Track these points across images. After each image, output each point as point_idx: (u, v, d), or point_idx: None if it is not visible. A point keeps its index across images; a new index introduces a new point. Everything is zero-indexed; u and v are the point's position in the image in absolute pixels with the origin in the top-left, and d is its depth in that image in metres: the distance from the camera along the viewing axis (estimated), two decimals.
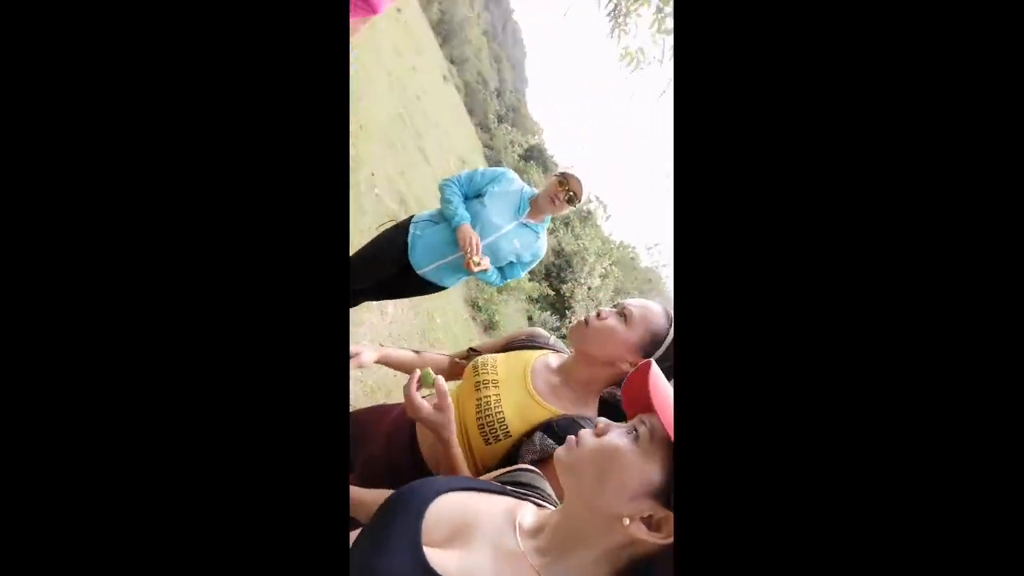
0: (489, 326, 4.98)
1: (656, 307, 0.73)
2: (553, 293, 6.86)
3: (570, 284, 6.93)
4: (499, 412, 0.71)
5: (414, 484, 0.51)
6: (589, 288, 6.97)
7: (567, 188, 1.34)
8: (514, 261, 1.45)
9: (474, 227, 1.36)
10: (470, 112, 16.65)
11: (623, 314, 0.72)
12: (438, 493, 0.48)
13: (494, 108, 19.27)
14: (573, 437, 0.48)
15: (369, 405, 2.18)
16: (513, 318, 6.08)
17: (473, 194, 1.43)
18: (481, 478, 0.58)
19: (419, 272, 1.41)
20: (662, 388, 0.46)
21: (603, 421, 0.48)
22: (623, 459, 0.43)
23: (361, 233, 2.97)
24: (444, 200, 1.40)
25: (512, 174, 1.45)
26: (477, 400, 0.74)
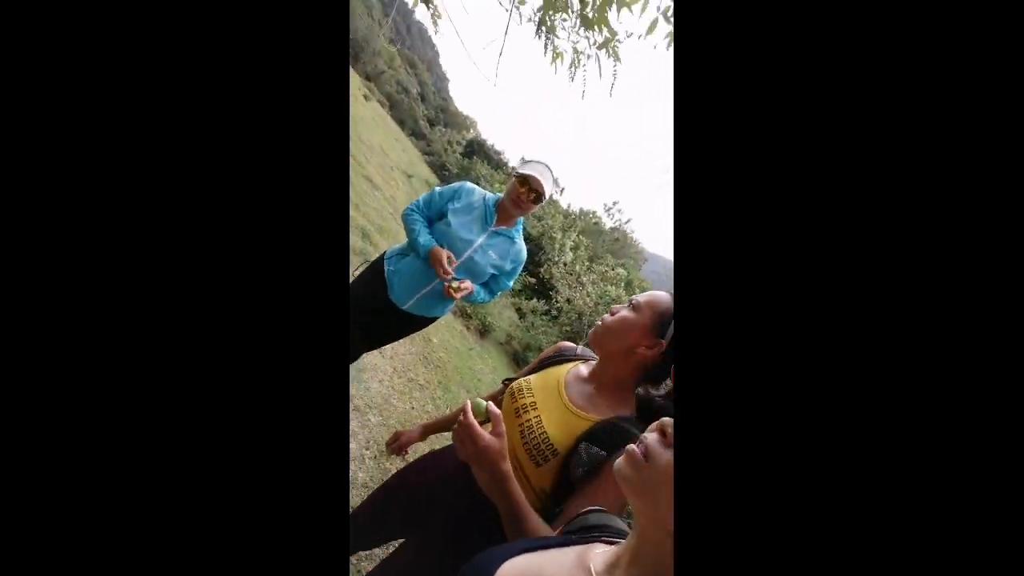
0: (483, 330, 5.06)
1: (662, 293, 0.78)
2: (533, 280, 6.99)
3: (546, 266, 7.06)
4: (542, 433, 0.72)
5: (475, 560, 0.49)
6: (564, 264, 7.12)
7: (528, 187, 1.29)
8: (496, 273, 1.40)
9: (448, 249, 1.30)
10: (400, 124, 16.36)
11: (632, 305, 0.77)
12: (501, 560, 0.46)
13: (422, 113, 18.99)
14: (636, 448, 0.43)
15: (352, 424, 2.15)
16: (503, 315, 6.16)
17: (436, 215, 1.37)
18: (548, 535, 0.55)
19: (403, 308, 1.35)
20: None
21: (670, 425, 0.43)
22: None
23: None
24: (408, 230, 1.35)
25: (471, 185, 1.39)
26: (520, 425, 0.75)
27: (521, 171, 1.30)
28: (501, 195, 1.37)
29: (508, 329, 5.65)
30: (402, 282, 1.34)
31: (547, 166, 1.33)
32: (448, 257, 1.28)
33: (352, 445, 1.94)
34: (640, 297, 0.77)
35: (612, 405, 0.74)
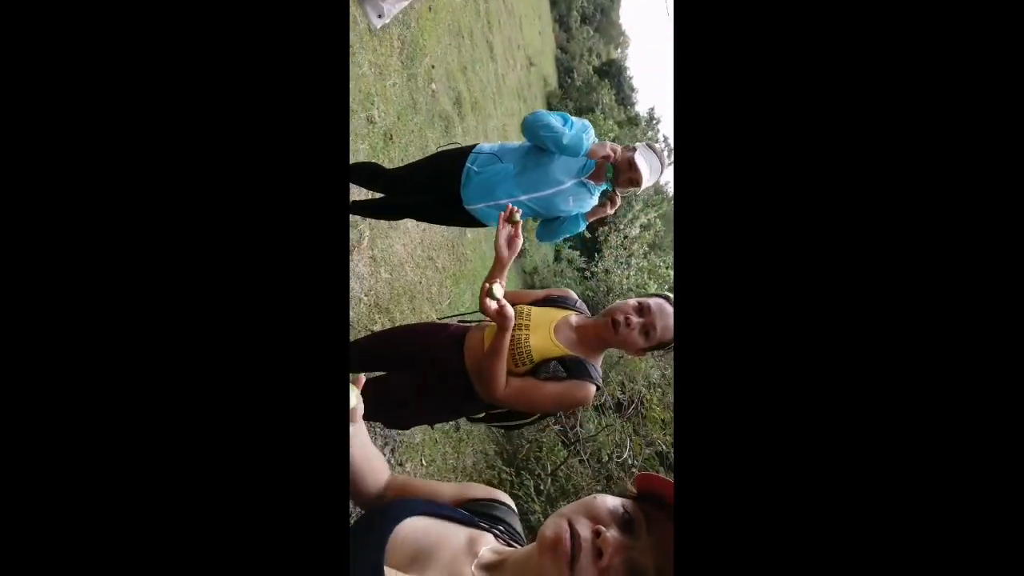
0: (518, 256, 4.95)
1: (670, 316, 0.97)
2: (588, 235, 6.66)
3: (607, 227, 6.68)
4: (527, 346, 0.97)
5: (388, 505, 0.52)
6: (626, 237, 6.72)
7: (632, 172, 1.30)
8: (565, 217, 1.41)
9: (536, 177, 1.31)
10: (552, 3, 14.65)
11: (641, 307, 0.97)
12: (406, 516, 0.49)
13: (580, 4, 16.86)
14: (565, 539, 0.39)
15: (397, 307, 2.28)
16: (542, 249, 6.00)
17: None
18: (463, 498, 0.58)
19: (468, 208, 1.38)
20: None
21: (610, 539, 0.39)
22: None
23: (411, 133, 2.84)
24: (546, 125, 1.29)
25: (591, 131, 1.35)
26: (514, 335, 0.99)
27: (637, 156, 1.29)
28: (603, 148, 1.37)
29: (539, 264, 5.54)
30: (480, 186, 1.34)
31: (663, 166, 1.35)
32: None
33: (355, 286, 2.01)
34: (659, 325, 0.95)
35: (585, 352, 0.99)
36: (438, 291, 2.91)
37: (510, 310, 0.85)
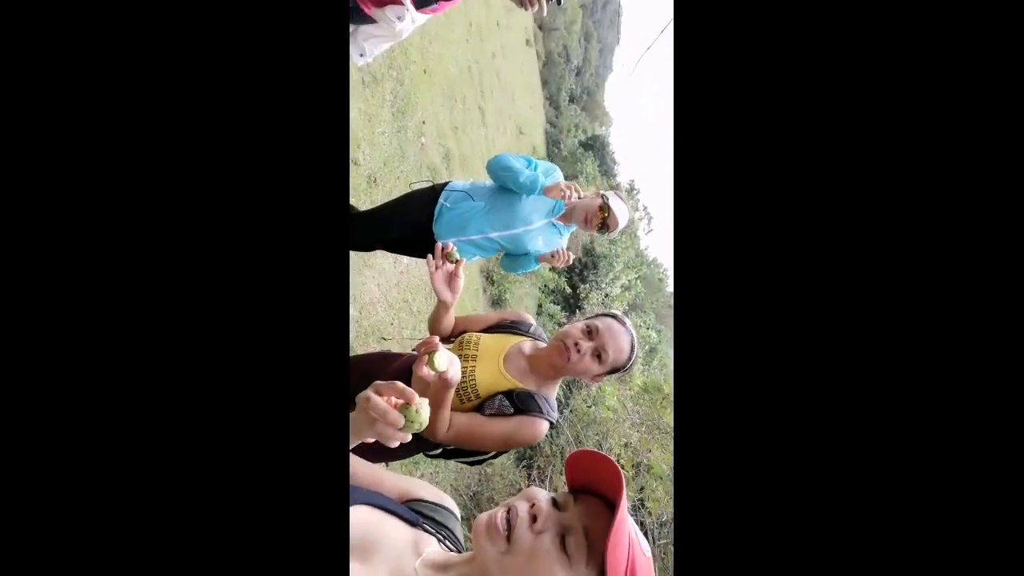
0: (497, 301, 4.94)
1: (625, 350, 0.91)
2: (570, 290, 6.74)
3: (589, 285, 6.78)
4: (472, 380, 0.89)
5: None
6: (607, 295, 6.81)
7: (604, 215, 1.30)
8: (530, 254, 1.43)
9: (507, 215, 1.33)
10: (544, 83, 16.12)
11: (596, 348, 0.90)
12: (355, 503, 0.48)
13: (569, 86, 18.59)
14: (499, 520, 0.44)
15: (363, 347, 2.19)
16: (522, 300, 6.01)
17: None
18: (409, 496, 0.58)
19: (440, 242, 1.38)
20: (622, 527, 0.42)
21: (543, 507, 0.44)
22: (547, 572, 0.41)
23: (396, 179, 2.91)
24: (507, 168, 1.31)
25: (559, 173, 1.38)
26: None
27: (610, 200, 1.31)
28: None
29: (504, 312, 5.50)
30: (452, 222, 1.36)
31: (634, 215, 1.47)
32: (570, 187, 1.28)
33: None
34: (610, 348, 0.89)
35: (538, 383, 0.92)
36: (411, 334, 2.82)
37: (455, 374, 0.74)
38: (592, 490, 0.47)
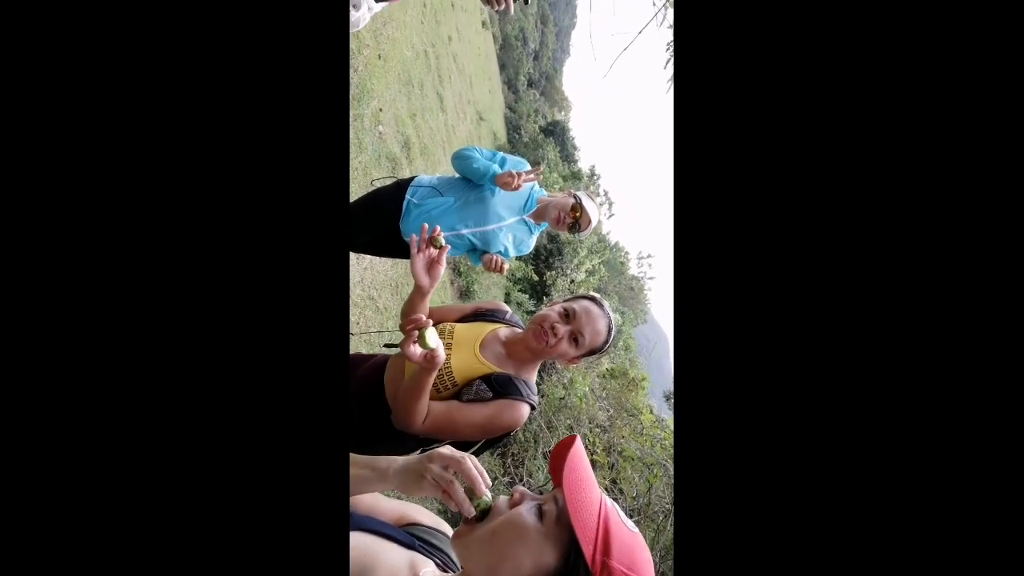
0: (465, 292, 4.91)
1: (602, 334, 0.91)
2: (536, 278, 6.79)
3: (555, 272, 6.86)
4: (448, 368, 0.86)
5: None
6: (572, 281, 6.93)
7: (576, 215, 1.30)
8: (501, 251, 1.40)
9: (478, 211, 1.31)
10: (501, 67, 15.86)
11: (574, 335, 0.90)
12: (352, 529, 0.49)
13: (527, 70, 18.39)
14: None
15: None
16: (490, 291, 6.00)
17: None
18: (406, 520, 0.59)
19: (407, 239, 1.34)
20: (579, 468, 0.46)
21: (519, 490, 0.47)
22: (524, 537, 0.43)
23: (355, 170, 2.78)
24: (466, 158, 1.29)
25: (516, 163, 1.38)
26: None
27: (583, 200, 1.32)
28: (546, 193, 1.40)
29: (480, 302, 5.50)
30: (420, 218, 1.30)
31: (603, 217, 1.46)
32: (520, 176, 1.26)
33: None
34: (587, 331, 0.88)
35: (516, 368, 0.90)
36: (378, 335, 2.75)
37: (441, 355, 0.74)
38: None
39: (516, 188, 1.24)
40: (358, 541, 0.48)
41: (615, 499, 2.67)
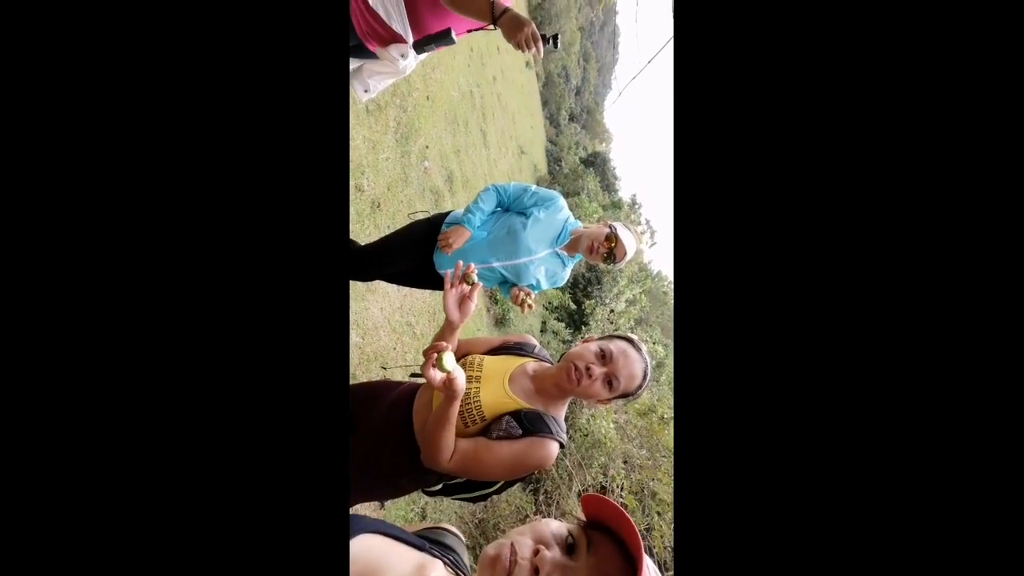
0: (501, 321, 4.94)
1: (638, 377, 0.89)
2: (574, 306, 6.72)
3: (594, 301, 6.76)
4: (477, 402, 0.87)
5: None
6: (612, 311, 6.78)
7: (611, 245, 1.29)
8: (533, 284, 1.41)
9: (510, 245, 1.32)
10: (544, 103, 16.42)
11: (609, 378, 0.87)
12: (357, 533, 0.49)
13: (568, 105, 18.92)
14: (505, 557, 0.42)
15: (365, 373, 2.18)
16: (526, 320, 6.01)
17: (517, 209, 1.37)
18: (412, 529, 0.58)
19: (441, 272, 1.38)
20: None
21: (547, 556, 0.42)
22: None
23: (400, 203, 2.96)
24: (474, 203, 1.35)
25: (562, 202, 1.38)
26: None
27: (618, 230, 1.31)
28: (580, 224, 1.39)
29: (524, 333, 5.49)
30: (453, 252, 1.33)
31: (641, 247, 1.38)
32: (453, 243, 1.31)
33: None
34: (622, 375, 0.86)
35: (545, 404, 0.89)
36: (415, 358, 2.82)
37: (461, 381, 0.75)
38: (608, 526, 0.45)
39: (443, 250, 1.31)
40: (368, 542, 0.48)
41: (649, 546, 2.49)
